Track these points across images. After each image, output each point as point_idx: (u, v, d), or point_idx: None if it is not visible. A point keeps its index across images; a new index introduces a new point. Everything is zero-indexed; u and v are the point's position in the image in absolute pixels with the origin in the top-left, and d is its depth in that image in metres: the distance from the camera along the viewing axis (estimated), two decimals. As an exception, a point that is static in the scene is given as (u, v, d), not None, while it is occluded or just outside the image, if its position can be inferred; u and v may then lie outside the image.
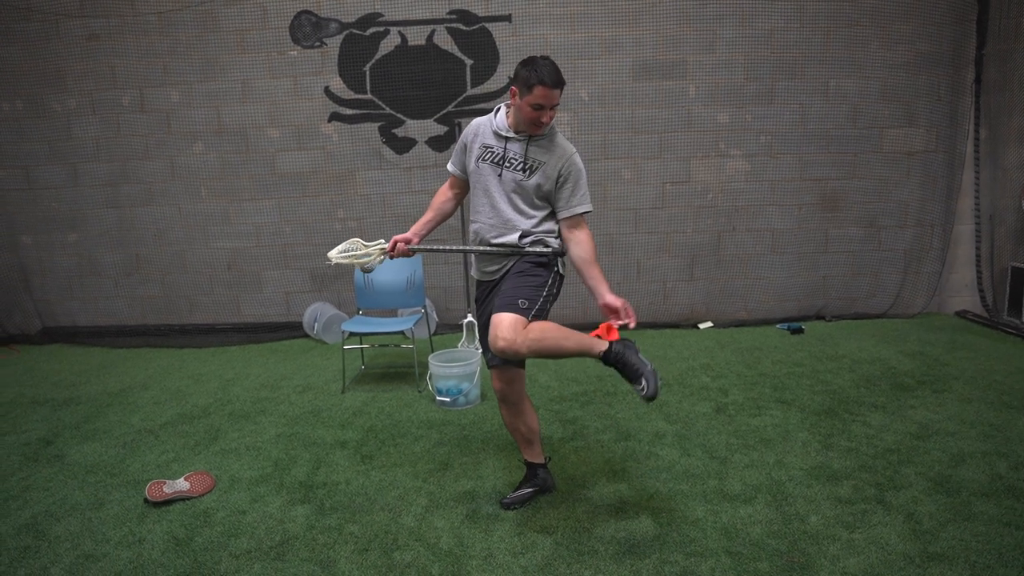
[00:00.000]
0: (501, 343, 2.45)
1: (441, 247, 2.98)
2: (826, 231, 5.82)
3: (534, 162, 2.62)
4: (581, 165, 2.67)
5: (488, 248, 2.71)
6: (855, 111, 5.63)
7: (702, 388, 4.26)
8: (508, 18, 5.53)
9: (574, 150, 2.67)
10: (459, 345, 5.24)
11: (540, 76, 2.46)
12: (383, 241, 2.87)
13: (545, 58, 2.52)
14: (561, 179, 2.62)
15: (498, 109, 2.71)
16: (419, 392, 4.40)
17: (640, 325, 5.72)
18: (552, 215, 2.72)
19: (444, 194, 2.94)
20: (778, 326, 5.74)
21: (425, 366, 4.30)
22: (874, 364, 4.60)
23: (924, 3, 5.45)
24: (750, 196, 5.76)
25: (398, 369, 4.95)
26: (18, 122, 5.88)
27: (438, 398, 4.11)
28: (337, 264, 2.85)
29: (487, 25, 5.55)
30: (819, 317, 5.91)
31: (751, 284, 5.92)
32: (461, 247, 2.92)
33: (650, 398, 2.42)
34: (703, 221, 5.82)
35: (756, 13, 5.46)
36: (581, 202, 2.66)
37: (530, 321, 2.52)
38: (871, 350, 4.92)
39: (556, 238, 2.72)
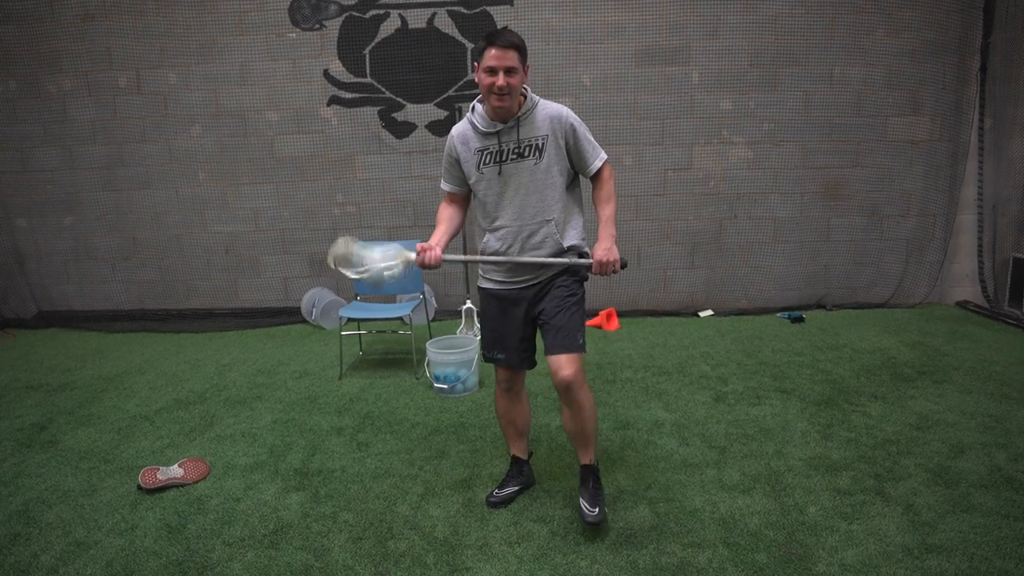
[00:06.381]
0: (568, 378, 2.50)
1: (475, 258, 2.65)
2: (828, 220, 5.78)
3: (537, 140, 2.48)
4: (577, 118, 2.53)
5: (527, 260, 2.52)
6: (859, 99, 5.57)
7: (702, 377, 4.24)
8: (510, 2, 5.46)
9: (566, 108, 2.52)
10: (458, 332, 5.22)
11: (490, 38, 2.37)
12: (401, 249, 2.58)
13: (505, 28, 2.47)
14: (569, 142, 2.50)
15: (472, 107, 2.54)
16: (417, 379, 4.37)
17: (640, 312, 5.84)
18: (574, 203, 2.61)
19: (447, 210, 2.70)
20: (779, 315, 5.71)
21: (423, 352, 4.28)
22: (874, 354, 4.58)
23: (931, -10, 5.39)
24: (752, 184, 5.72)
25: (396, 355, 4.92)
26: (12, 103, 5.82)
27: (436, 385, 4.09)
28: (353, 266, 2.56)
29: (488, 8, 5.48)
30: (820, 306, 5.89)
31: (752, 272, 5.89)
32: (497, 258, 2.56)
33: (591, 524, 2.53)
34: (705, 208, 5.78)
35: (760, -2, 5.40)
36: (593, 157, 2.54)
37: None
38: (872, 340, 4.90)
39: (583, 237, 2.64)
